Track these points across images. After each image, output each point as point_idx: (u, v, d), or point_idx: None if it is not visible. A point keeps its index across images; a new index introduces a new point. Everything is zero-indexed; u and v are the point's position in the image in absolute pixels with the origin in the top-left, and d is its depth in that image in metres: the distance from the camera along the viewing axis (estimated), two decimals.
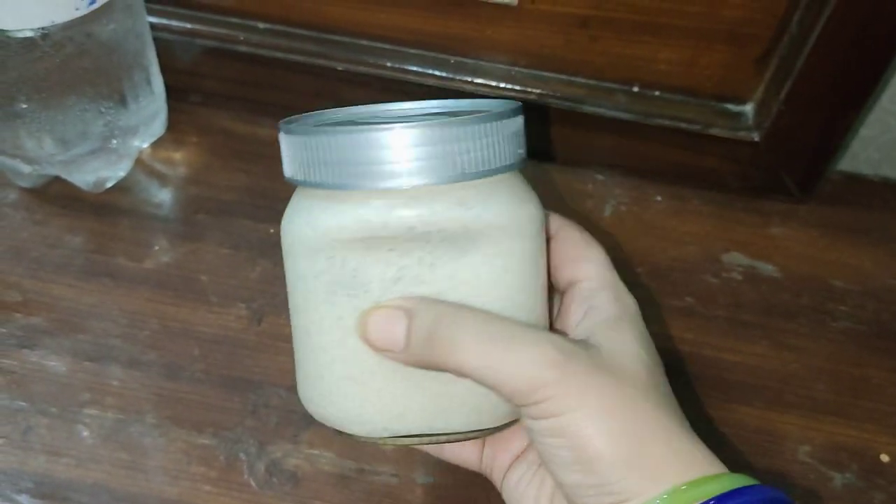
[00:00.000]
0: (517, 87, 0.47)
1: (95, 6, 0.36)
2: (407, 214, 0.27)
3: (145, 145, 0.47)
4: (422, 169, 0.26)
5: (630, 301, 0.31)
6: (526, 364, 0.26)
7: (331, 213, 0.28)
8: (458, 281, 0.28)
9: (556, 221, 0.33)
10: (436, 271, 0.28)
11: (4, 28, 0.35)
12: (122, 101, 0.42)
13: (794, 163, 0.47)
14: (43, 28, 0.36)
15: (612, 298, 0.30)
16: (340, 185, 0.27)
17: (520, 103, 0.30)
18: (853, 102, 0.44)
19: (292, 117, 0.31)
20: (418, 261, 0.27)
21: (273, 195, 0.47)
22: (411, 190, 0.27)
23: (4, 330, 0.40)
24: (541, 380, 0.26)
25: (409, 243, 0.27)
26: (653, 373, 0.29)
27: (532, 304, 0.29)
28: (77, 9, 0.36)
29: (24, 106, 0.39)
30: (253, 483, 0.37)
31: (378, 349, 0.28)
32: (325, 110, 0.32)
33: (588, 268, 0.31)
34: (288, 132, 0.29)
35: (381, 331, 0.28)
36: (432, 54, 0.47)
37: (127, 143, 0.44)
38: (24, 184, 0.45)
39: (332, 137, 0.27)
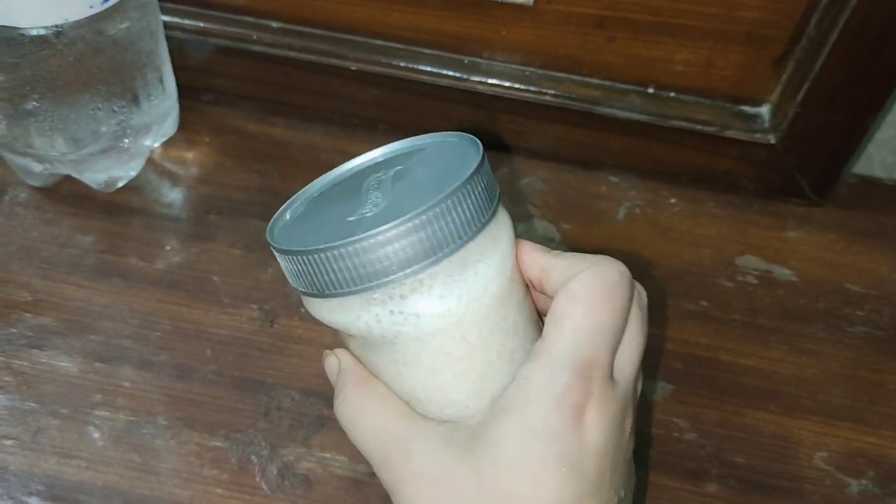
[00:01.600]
0: (532, 88, 0.47)
1: (109, 4, 0.36)
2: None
3: (157, 145, 0.47)
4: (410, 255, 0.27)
5: None
6: None
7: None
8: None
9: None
10: None
11: (18, 26, 0.35)
12: (135, 100, 0.42)
13: (810, 166, 0.47)
14: (56, 26, 0.36)
15: None
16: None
17: (478, 147, 0.29)
18: (871, 106, 0.43)
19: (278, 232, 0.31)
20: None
21: (286, 195, 0.46)
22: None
23: (15, 330, 0.40)
24: None
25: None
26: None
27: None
28: (91, 6, 0.35)
29: (37, 104, 0.39)
30: (265, 486, 0.37)
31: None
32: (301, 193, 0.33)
33: None
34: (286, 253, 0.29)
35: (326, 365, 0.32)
36: (446, 54, 0.47)
37: (138, 142, 0.44)
38: (35, 182, 0.45)
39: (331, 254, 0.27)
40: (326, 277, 0.27)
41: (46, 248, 0.43)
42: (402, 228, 0.26)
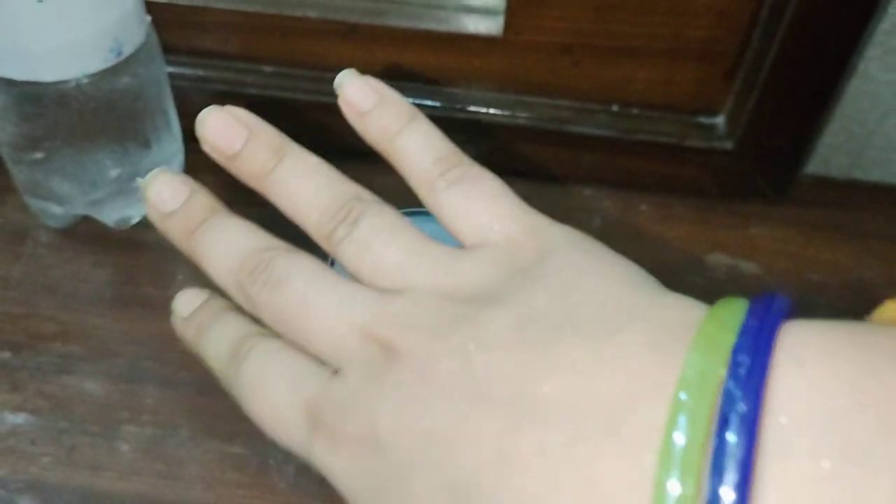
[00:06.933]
0: (506, 113, 0.51)
1: (122, 58, 0.40)
2: None
3: None
4: None
5: None
6: None
7: None
8: None
9: None
10: None
11: (42, 80, 0.39)
12: (146, 144, 0.46)
13: (766, 168, 0.51)
14: (76, 79, 0.40)
15: None
16: None
17: None
18: (814, 111, 0.48)
19: None
20: None
21: (284, 226, 0.50)
22: None
23: (44, 358, 0.43)
24: None
25: None
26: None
27: None
28: (106, 60, 0.39)
29: (57, 151, 0.43)
30: (283, 486, 0.40)
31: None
32: None
33: None
34: None
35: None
36: (426, 86, 0.51)
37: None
38: (55, 224, 0.48)
39: None
40: None
41: (69, 283, 0.47)
42: None
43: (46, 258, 0.48)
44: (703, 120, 0.51)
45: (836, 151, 0.55)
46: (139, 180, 0.32)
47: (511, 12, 0.47)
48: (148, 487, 0.39)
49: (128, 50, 0.40)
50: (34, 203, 0.47)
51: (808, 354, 0.18)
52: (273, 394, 0.25)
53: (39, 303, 0.46)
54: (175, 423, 0.41)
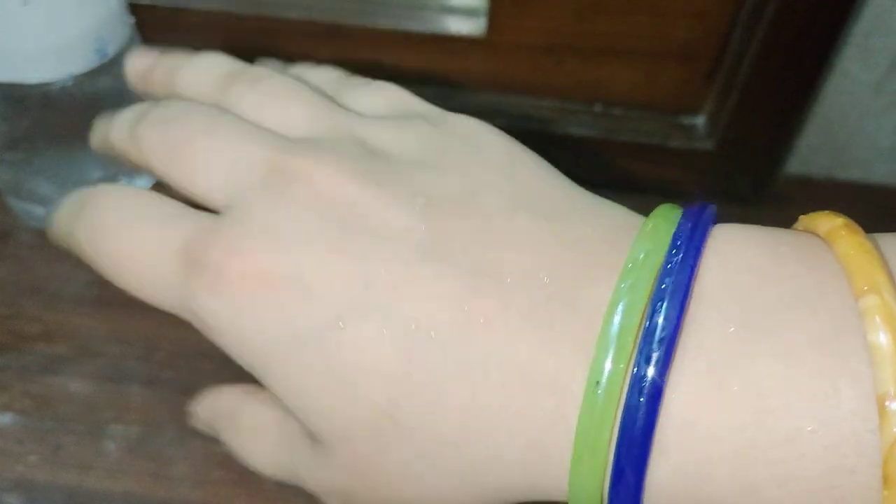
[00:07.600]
0: (489, 111, 0.51)
1: (106, 59, 0.40)
2: None
3: (148, 186, 0.51)
4: None
5: None
6: None
7: None
8: None
9: None
10: None
11: (26, 81, 0.39)
12: None
13: (747, 167, 0.52)
14: (60, 80, 0.40)
15: None
16: None
17: None
18: (793, 111, 0.48)
19: None
20: None
21: None
22: None
23: (29, 358, 0.43)
24: None
25: None
26: None
27: None
28: (91, 60, 0.40)
29: (39, 152, 0.43)
30: (270, 484, 0.40)
31: None
32: None
33: None
34: None
35: None
36: (409, 87, 0.51)
37: (132, 182, 0.48)
38: (38, 225, 0.48)
39: None
40: None
41: (52, 284, 0.47)
42: None
43: (29, 259, 0.48)
44: (684, 120, 0.51)
45: (816, 151, 0.55)
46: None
47: (493, 13, 0.47)
48: (135, 486, 0.40)
49: (112, 50, 0.41)
50: (16, 204, 0.47)
51: (727, 247, 0.21)
52: (134, 236, 0.22)
53: (24, 303, 0.46)
54: (161, 422, 0.42)
